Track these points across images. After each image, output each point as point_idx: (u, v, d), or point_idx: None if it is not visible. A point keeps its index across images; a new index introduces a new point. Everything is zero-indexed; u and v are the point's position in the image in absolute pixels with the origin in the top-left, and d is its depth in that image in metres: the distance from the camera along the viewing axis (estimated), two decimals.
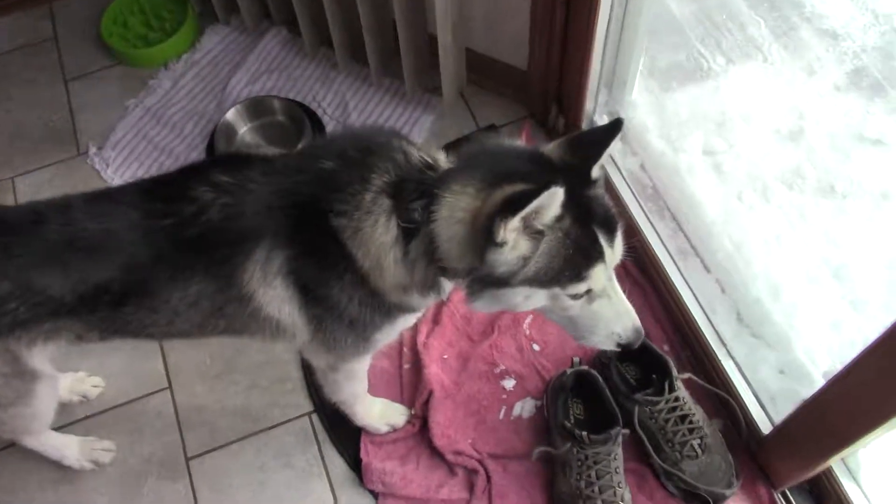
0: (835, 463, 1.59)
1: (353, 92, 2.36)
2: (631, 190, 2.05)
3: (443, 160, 1.21)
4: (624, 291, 1.91)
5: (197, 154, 2.31)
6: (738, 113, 2.23)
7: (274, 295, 1.24)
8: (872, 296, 1.91)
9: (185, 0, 2.57)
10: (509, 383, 1.88)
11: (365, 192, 1.16)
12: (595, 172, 1.16)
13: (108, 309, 1.26)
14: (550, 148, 1.19)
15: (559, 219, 1.09)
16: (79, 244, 1.22)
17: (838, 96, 2.28)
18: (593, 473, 1.64)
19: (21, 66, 2.60)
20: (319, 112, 2.34)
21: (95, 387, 1.95)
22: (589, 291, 1.17)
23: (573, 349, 1.90)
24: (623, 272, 2.00)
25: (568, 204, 1.08)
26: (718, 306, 1.90)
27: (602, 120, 2.12)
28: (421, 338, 1.92)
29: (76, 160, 2.39)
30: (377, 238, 1.17)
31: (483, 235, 1.08)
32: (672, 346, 1.90)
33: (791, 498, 1.70)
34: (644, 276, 1.98)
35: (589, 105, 2.07)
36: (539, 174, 1.11)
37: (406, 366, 1.92)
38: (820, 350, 1.82)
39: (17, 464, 1.88)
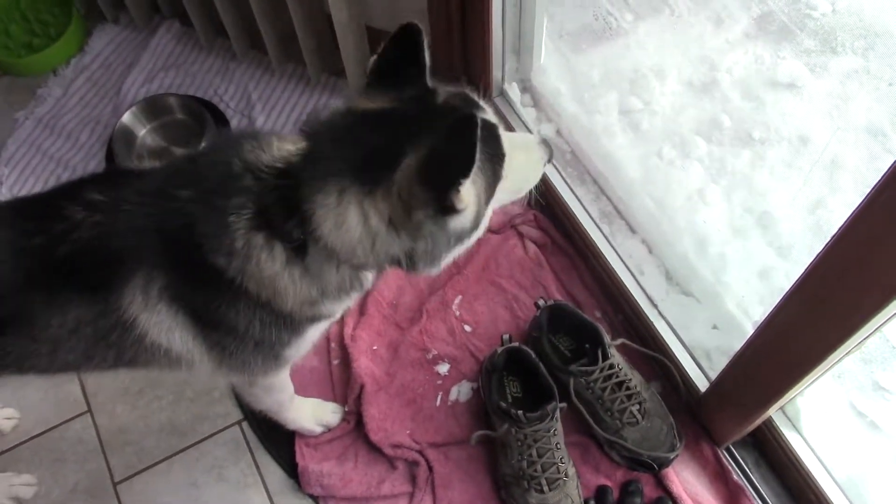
0: (774, 413, 1.59)
1: (256, 82, 2.25)
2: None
3: (294, 153, 1.09)
4: (549, 260, 1.93)
5: (96, 163, 2.18)
6: (651, 69, 2.20)
7: (159, 321, 1.14)
8: (797, 240, 1.91)
9: (69, 1, 2.42)
10: (443, 368, 1.83)
11: (234, 240, 1.06)
12: (430, 81, 1.10)
13: None
14: (360, 98, 1.10)
15: None
16: None
17: (747, 43, 2.27)
18: (534, 452, 1.60)
19: None
20: (222, 106, 2.24)
21: (9, 419, 1.84)
22: None
23: (505, 326, 1.86)
24: (549, 241, 1.96)
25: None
26: (646, 267, 1.88)
27: (512, 89, 2.07)
28: (348, 330, 1.85)
29: None
30: (265, 272, 1.08)
31: (431, 219, 1.03)
32: (604, 312, 1.87)
33: (735, 452, 1.69)
34: (569, 243, 1.95)
35: (496, 74, 2.01)
36: (399, 130, 1.03)
37: (335, 361, 1.85)
38: (751, 301, 1.81)
39: None
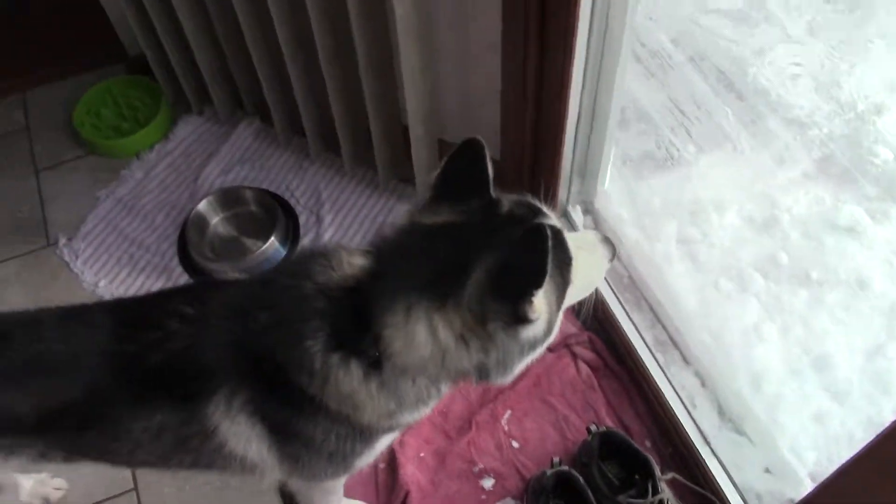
0: None
1: (327, 182, 2.35)
2: (606, 281, 2.03)
3: (361, 270, 1.11)
4: (601, 383, 1.93)
5: (168, 245, 2.27)
6: (711, 201, 2.25)
7: (238, 432, 1.18)
8: (853, 386, 1.89)
9: (159, 91, 2.58)
10: (488, 483, 1.81)
11: (312, 361, 1.10)
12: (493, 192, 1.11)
13: (70, 431, 1.21)
14: (423, 212, 1.12)
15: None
16: (43, 364, 1.18)
17: (808, 184, 2.31)
18: None
19: None
20: (293, 202, 2.33)
21: (58, 489, 1.86)
22: None
23: (553, 446, 1.85)
24: (602, 364, 1.97)
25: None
26: (699, 400, 1.87)
27: (576, 211, 2.12)
28: (397, 436, 1.85)
29: (45, 251, 2.34)
30: (344, 389, 1.11)
31: (503, 330, 1.04)
32: (654, 442, 1.86)
33: None
34: (623, 368, 1.95)
35: (562, 194, 2.07)
36: (467, 244, 1.05)
37: (381, 465, 1.85)
38: (804, 446, 1.78)
39: None
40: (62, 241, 2.33)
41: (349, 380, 1.10)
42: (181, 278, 2.19)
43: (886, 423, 1.74)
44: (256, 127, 2.51)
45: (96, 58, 2.74)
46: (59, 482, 1.87)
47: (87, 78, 2.70)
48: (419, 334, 1.05)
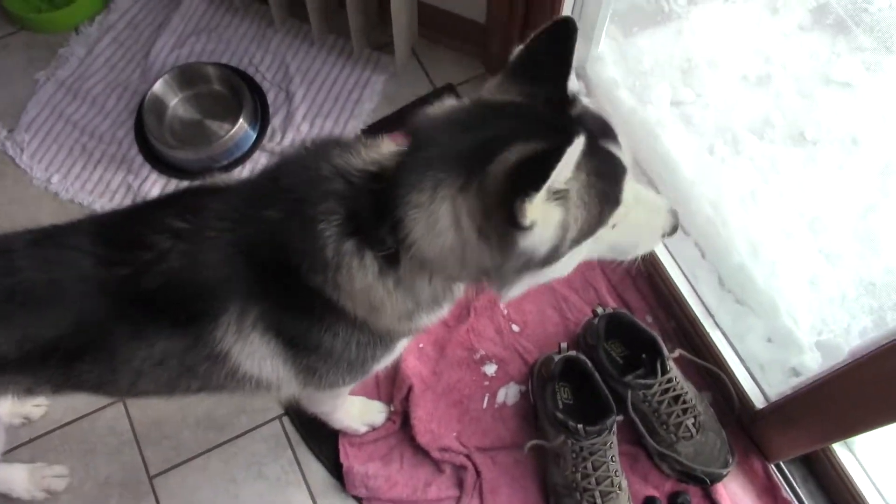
0: None
1: (294, 53, 2.13)
2: None
3: (387, 156, 1.01)
4: (601, 262, 1.87)
5: (125, 132, 2.06)
6: (704, 58, 2.12)
7: (252, 352, 1.09)
8: (846, 247, 1.88)
9: None
10: (490, 369, 1.78)
11: (324, 248, 0.99)
12: (572, 86, 0.98)
13: (60, 365, 1.09)
14: (492, 89, 1.00)
15: (577, 165, 0.90)
16: (21, 298, 1.05)
17: (802, 36, 2.19)
18: (589, 465, 1.58)
19: None
20: (258, 77, 2.12)
21: (37, 406, 1.77)
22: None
23: (554, 328, 1.82)
24: None
25: (570, 138, 0.89)
26: (699, 272, 1.84)
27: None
28: None
29: None
30: (358, 285, 1.01)
31: (501, 229, 0.91)
32: (656, 317, 1.83)
33: (783, 467, 1.68)
34: None
35: None
36: (516, 125, 0.93)
37: None
38: (801, 311, 1.78)
39: None
40: (2, 133, 2.10)
41: (363, 274, 1.00)
42: (143, 169, 2.01)
43: (877, 283, 1.76)
44: None
45: None
46: (39, 399, 1.77)
47: None
48: (443, 218, 0.93)
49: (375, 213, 0.97)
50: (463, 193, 0.91)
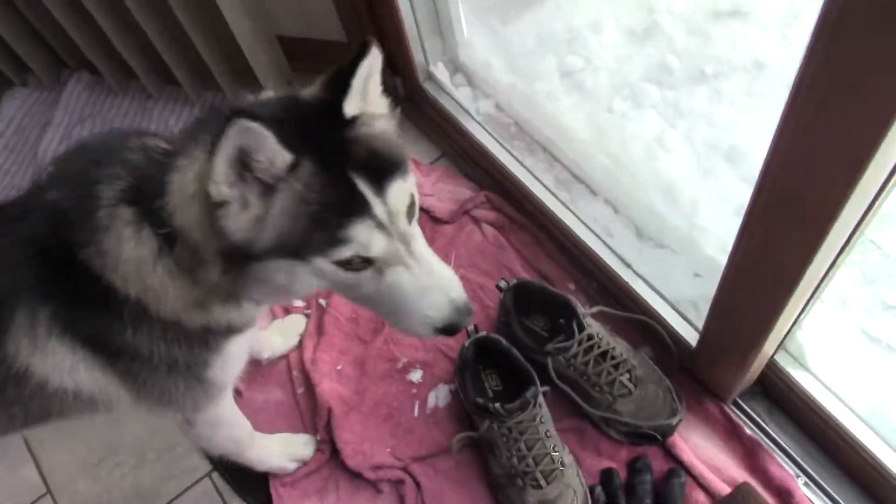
0: (775, 354, 1.43)
1: (177, 116, 2.14)
2: (491, 134, 1.87)
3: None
4: (510, 239, 1.79)
5: None
6: (585, 25, 2.08)
7: (57, 362, 1.02)
8: None
9: None
10: (416, 375, 1.68)
11: (97, 210, 0.95)
12: (350, 108, 0.93)
13: None
14: (310, 90, 0.98)
15: (294, 167, 0.86)
16: None
17: None
18: (522, 445, 1.45)
19: None
20: None
21: None
22: (369, 261, 0.92)
23: (475, 319, 1.69)
24: (507, 220, 1.82)
25: (311, 149, 0.87)
26: (614, 228, 1.74)
27: (438, 70, 1.94)
28: (308, 354, 1.70)
29: None
30: (128, 255, 0.95)
31: (206, 200, 0.88)
32: (577, 283, 1.72)
33: (744, 405, 1.54)
34: (528, 218, 1.80)
35: (418, 57, 1.89)
36: (277, 113, 0.90)
37: (300, 390, 1.70)
38: (731, 240, 1.66)
39: None
40: None
41: (135, 245, 0.95)
42: None
43: None
44: (87, 80, 2.28)
45: None
46: None
47: None
48: (190, 184, 0.91)
49: (159, 186, 0.93)
50: (203, 161, 0.89)
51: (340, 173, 0.88)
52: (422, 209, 1.85)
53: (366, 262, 0.92)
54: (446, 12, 1.86)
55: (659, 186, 1.76)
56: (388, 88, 1.98)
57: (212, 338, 1.07)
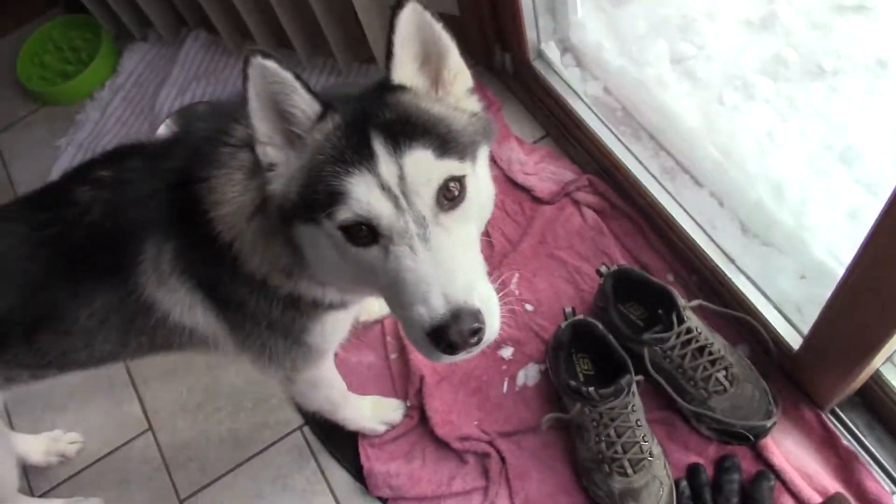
0: (882, 366, 1.40)
1: None
2: (598, 117, 1.86)
3: None
4: (610, 225, 1.78)
5: None
6: (701, 11, 2.03)
7: (176, 299, 1.08)
8: (887, 174, 1.71)
9: (97, 25, 2.42)
10: (507, 352, 1.70)
11: (223, 146, 0.99)
12: (397, 75, 0.93)
13: (21, 342, 1.11)
14: None
15: (321, 118, 0.89)
16: None
17: None
18: (612, 432, 1.46)
19: None
20: None
21: (73, 443, 1.81)
22: (375, 236, 0.89)
23: (569, 301, 1.72)
24: (608, 205, 1.81)
25: (347, 108, 0.90)
26: (719, 221, 1.72)
27: (550, 49, 1.93)
28: None
29: None
30: (230, 198, 0.98)
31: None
32: (677, 274, 1.71)
33: (842, 415, 1.51)
34: (630, 205, 1.79)
35: (531, 35, 1.87)
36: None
37: (393, 356, 1.75)
38: (841, 244, 1.62)
39: None
40: None
41: (241, 190, 0.99)
42: None
43: None
44: (204, 40, 2.35)
45: (35, 6, 2.60)
46: (74, 436, 1.82)
47: (28, 30, 2.55)
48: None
49: None
50: None
51: (361, 129, 0.88)
52: (523, 188, 1.86)
53: (372, 235, 0.89)
54: None
55: (768, 182, 1.72)
56: (496, 65, 2.02)
57: (304, 307, 1.10)
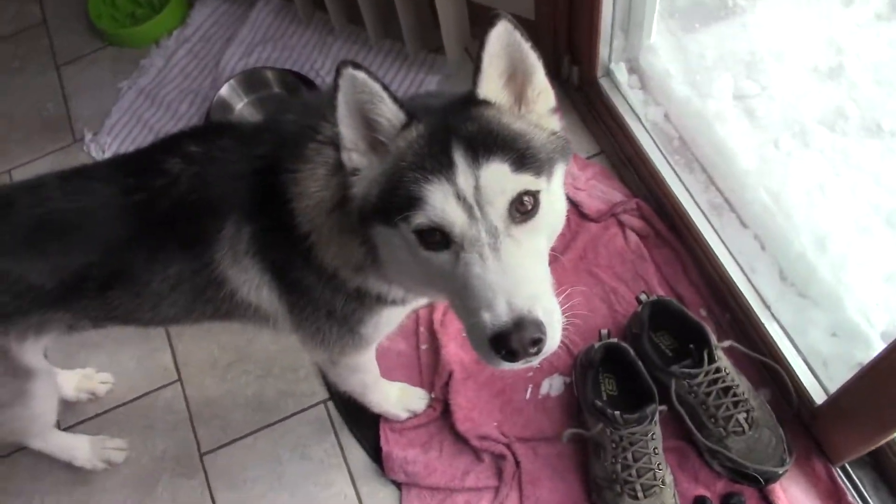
0: None
1: (353, 56, 2.20)
2: (655, 142, 1.89)
3: None
4: (652, 252, 1.82)
5: None
6: (770, 51, 2.05)
7: (246, 278, 1.14)
8: None
9: None
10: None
11: (310, 141, 1.04)
12: (482, 89, 0.98)
13: (94, 295, 1.17)
14: None
15: (405, 127, 0.94)
16: (52, 226, 1.14)
17: (880, 25, 2.08)
18: (630, 455, 1.51)
19: (10, 54, 2.50)
20: (318, 80, 2.20)
21: (104, 383, 1.87)
22: (447, 242, 0.92)
23: (602, 320, 1.77)
24: (652, 232, 1.85)
25: (433, 119, 0.95)
26: (758, 264, 1.75)
27: (619, 69, 1.95)
28: (437, 315, 1.79)
29: (73, 147, 2.29)
30: (312, 192, 1.03)
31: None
32: (710, 310, 1.75)
33: (851, 472, 1.55)
34: (674, 235, 1.83)
35: (603, 52, 1.90)
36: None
37: (423, 346, 1.80)
38: (875, 307, 1.66)
39: (29, 466, 1.82)
40: (88, 136, 2.27)
41: (323, 185, 1.04)
42: None
43: None
44: (275, 4, 2.36)
45: None
46: (105, 376, 1.87)
47: None
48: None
49: None
50: None
51: (443, 140, 0.92)
52: (572, 202, 1.89)
53: (444, 241, 0.92)
54: (641, 10, 1.86)
55: (812, 233, 1.75)
56: (562, 75, 2.04)
57: (368, 300, 1.16)
